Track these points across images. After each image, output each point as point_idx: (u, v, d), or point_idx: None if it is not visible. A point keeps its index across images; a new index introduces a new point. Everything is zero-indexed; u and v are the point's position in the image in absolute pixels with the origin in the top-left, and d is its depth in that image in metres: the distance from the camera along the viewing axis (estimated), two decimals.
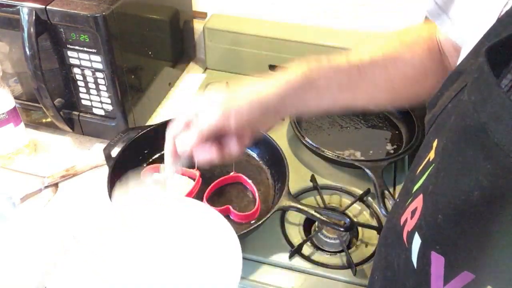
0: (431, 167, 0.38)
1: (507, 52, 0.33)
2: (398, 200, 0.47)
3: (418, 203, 0.39)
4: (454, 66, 0.58)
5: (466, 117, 0.33)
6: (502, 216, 0.30)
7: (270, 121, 0.57)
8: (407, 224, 0.40)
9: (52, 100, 0.85)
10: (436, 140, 0.39)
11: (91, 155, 0.93)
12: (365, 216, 0.85)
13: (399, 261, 0.42)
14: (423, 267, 0.37)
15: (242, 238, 0.74)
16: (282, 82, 0.54)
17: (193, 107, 0.54)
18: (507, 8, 0.36)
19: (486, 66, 0.31)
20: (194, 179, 0.84)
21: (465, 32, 0.50)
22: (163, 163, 0.60)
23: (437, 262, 0.35)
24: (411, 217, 0.40)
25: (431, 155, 0.39)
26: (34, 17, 0.77)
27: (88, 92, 0.89)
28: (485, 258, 0.32)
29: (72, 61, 0.85)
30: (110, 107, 0.90)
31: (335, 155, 0.90)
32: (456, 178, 0.34)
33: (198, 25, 1.22)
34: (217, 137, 0.55)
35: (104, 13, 0.78)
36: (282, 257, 0.76)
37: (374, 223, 0.83)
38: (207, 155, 0.54)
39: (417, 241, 0.38)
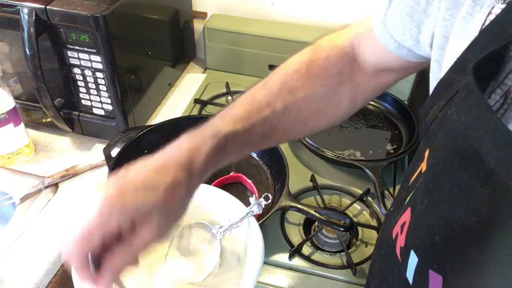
0: (421, 180, 0.38)
1: (494, 64, 0.33)
2: (392, 209, 0.47)
3: (406, 217, 0.40)
4: (368, 77, 0.57)
5: (457, 138, 0.33)
6: (501, 241, 0.30)
7: None
8: (399, 239, 0.40)
9: (52, 100, 0.85)
10: (428, 150, 0.38)
11: (91, 155, 0.93)
12: (365, 216, 0.85)
13: (393, 276, 0.42)
14: (421, 285, 0.37)
15: None
16: (197, 177, 0.46)
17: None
18: (491, 17, 0.35)
19: (475, 87, 0.30)
20: None
21: (407, 41, 0.49)
22: None
23: (435, 280, 0.35)
24: (401, 232, 0.40)
25: (423, 166, 0.39)
26: (34, 17, 0.77)
27: (88, 92, 0.89)
28: (483, 280, 0.32)
29: (72, 61, 0.85)
30: (110, 107, 0.90)
31: (335, 155, 0.90)
32: (452, 201, 0.33)
33: (198, 25, 1.22)
34: None
35: (104, 13, 0.78)
36: (282, 257, 0.76)
37: (374, 223, 0.83)
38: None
39: (413, 259, 0.38)
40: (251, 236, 0.61)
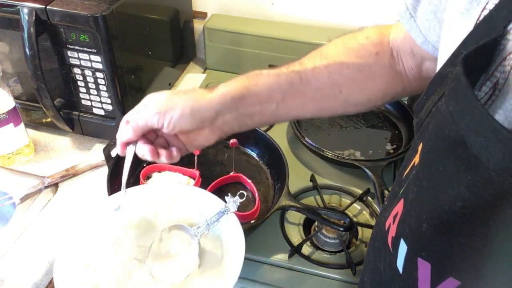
0: (414, 172, 0.39)
1: (484, 58, 0.33)
2: (386, 203, 0.48)
3: (399, 208, 0.40)
4: (408, 70, 0.60)
5: (444, 126, 0.33)
6: (485, 226, 0.31)
7: (206, 134, 0.58)
8: (391, 230, 0.41)
9: (52, 100, 0.85)
10: (421, 144, 0.39)
11: (91, 155, 0.93)
12: (365, 216, 0.85)
13: (385, 265, 0.43)
14: (410, 273, 0.38)
15: None
16: (218, 94, 0.56)
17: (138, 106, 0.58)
18: (485, 13, 0.36)
19: (463, 77, 0.31)
20: (194, 179, 0.84)
21: (431, 37, 0.51)
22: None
23: (424, 268, 0.36)
24: (393, 222, 0.41)
25: (416, 159, 0.39)
26: (34, 17, 0.77)
27: (88, 92, 0.89)
28: (470, 265, 0.32)
29: (72, 61, 0.85)
30: (110, 107, 0.91)
31: (335, 155, 0.90)
32: (438, 188, 0.34)
33: (198, 25, 1.22)
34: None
35: (104, 13, 0.78)
36: (282, 257, 0.76)
37: (373, 223, 0.83)
38: (140, 151, 0.59)
39: (403, 248, 0.38)
40: (232, 235, 0.61)
